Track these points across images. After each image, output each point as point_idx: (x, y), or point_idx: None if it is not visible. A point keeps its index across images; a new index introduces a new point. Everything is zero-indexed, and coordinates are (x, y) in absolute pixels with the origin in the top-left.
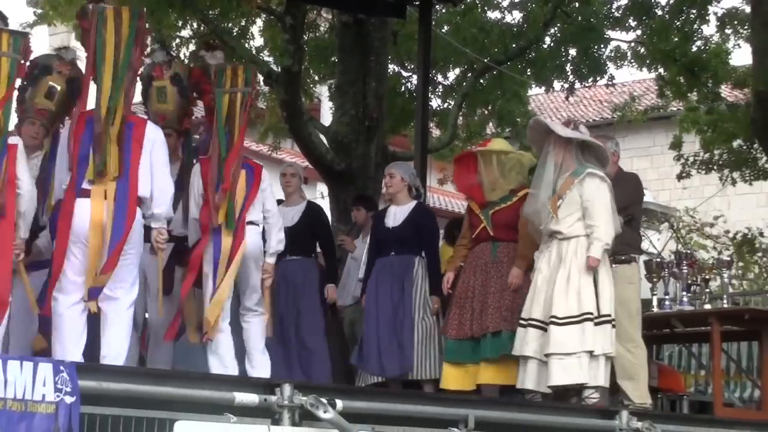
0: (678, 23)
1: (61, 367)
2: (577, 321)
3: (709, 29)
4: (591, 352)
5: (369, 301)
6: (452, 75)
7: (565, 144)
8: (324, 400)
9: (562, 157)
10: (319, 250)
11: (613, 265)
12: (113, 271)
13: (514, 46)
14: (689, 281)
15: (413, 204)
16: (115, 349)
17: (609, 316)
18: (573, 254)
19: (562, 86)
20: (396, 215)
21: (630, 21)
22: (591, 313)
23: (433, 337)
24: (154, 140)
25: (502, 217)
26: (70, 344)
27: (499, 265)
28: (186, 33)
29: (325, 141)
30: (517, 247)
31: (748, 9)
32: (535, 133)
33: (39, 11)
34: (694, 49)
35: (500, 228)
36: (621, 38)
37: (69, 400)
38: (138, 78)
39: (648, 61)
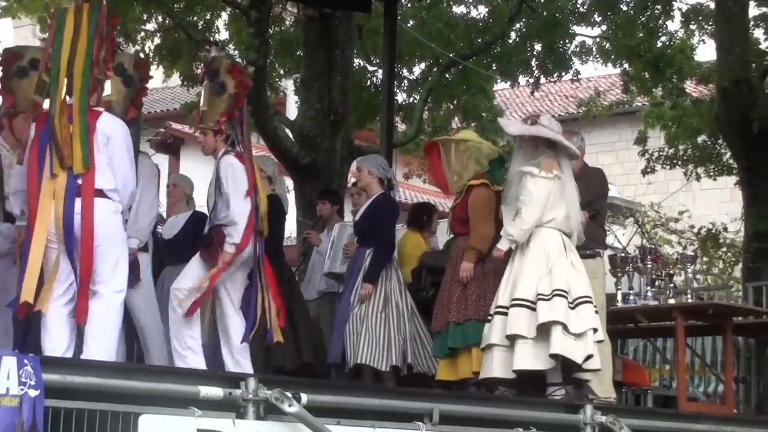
0: (643, 19)
1: (25, 361)
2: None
3: (674, 25)
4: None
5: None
6: (418, 69)
7: (519, 141)
8: (289, 394)
9: (516, 155)
10: None
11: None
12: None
13: (479, 40)
14: (654, 276)
15: (376, 194)
16: (100, 347)
17: (560, 291)
18: (525, 245)
19: (528, 81)
20: (363, 208)
21: (595, 16)
22: (525, 300)
23: (370, 325)
24: (111, 132)
25: (458, 212)
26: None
27: (454, 261)
28: (151, 26)
29: (290, 135)
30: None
31: (712, 5)
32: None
33: (3, 4)
34: (659, 44)
35: (456, 222)
36: (586, 33)
37: (33, 393)
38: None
39: (613, 57)
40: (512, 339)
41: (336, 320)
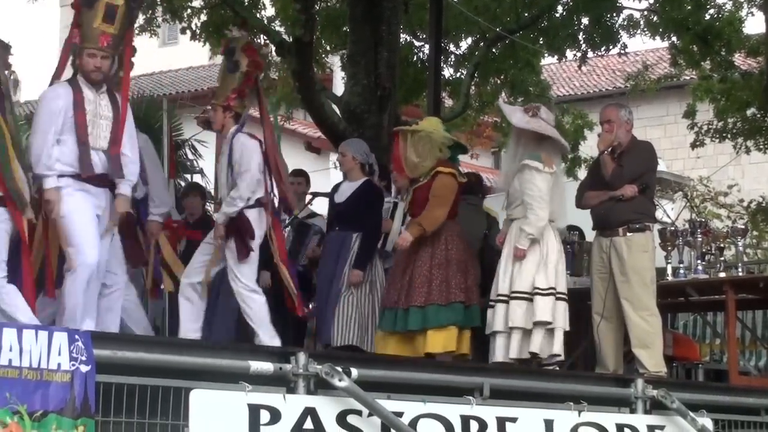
0: None
1: (76, 336)
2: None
3: None
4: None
5: (317, 277)
6: (464, 44)
7: (519, 131)
8: (339, 369)
9: (517, 144)
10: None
11: (628, 234)
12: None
13: (526, 14)
14: (704, 250)
15: (361, 181)
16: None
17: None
18: (516, 235)
19: (575, 55)
20: (345, 192)
21: None
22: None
23: (359, 307)
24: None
25: (420, 194)
26: None
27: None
28: (197, 3)
29: (337, 111)
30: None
31: None
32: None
33: None
34: (707, 17)
35: (416, 205)
36: (634, 6)
37: (84, 369)
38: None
39: (661, 30)
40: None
41: (324, 300)
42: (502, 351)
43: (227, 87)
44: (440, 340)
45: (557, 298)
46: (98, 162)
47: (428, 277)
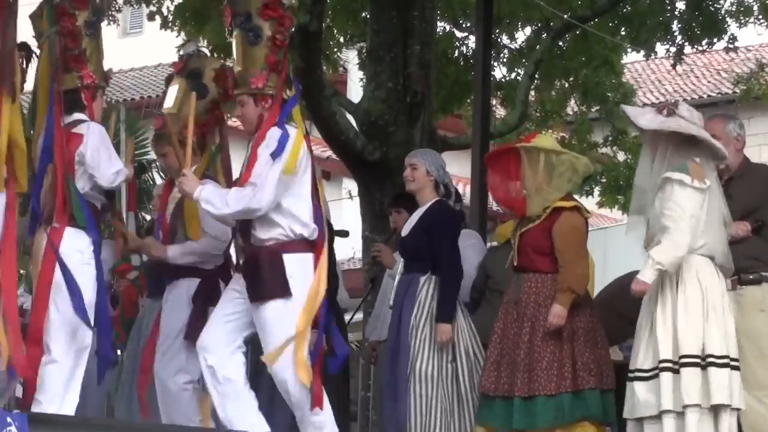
0: None
1: (9, 419)
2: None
3: None
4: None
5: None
6: (522, 36)
7: (654, 137)
8: None
9: (655, 154)
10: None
11: (738, 287)
12: None
13: None
14: None
15: (431, 202)
16: None
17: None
18: (678, 275)
19: (668, 51)
20: (412, 220)
21: None
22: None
23: (444, 385)
24: None
25: (529, 240)
26: None
27: (522, 307)
28: None
29: (353, 123)
30: (552, 280)
31: None
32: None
33: None
34: None
35: (525, 254)
36: None
37: None
38: None
39: None
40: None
41: (392, 376)
42: None
43: (254, 64)
44: None
45: (732, 368)
46: None
47: (558, 357)
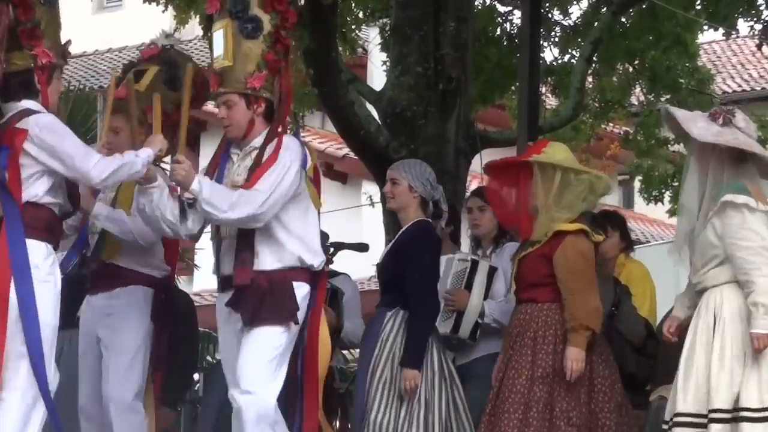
0: None
1: None
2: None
3: None
4: None
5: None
6: (576, 10)
7: (705, 149)
8: None
9: (707, 168)
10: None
11: None
12: None
13: None
14: None
15: (410, 223)
16: None
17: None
18: (718, 312)
19: (751, 29)
20: (390, 244)
21: None
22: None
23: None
24: None
25: (534, 267)
26: None
27: (519, 344)
28: None
29: (375, 114)
30: (556, 312)
31: None
32: (675, 124)
33: None
34: None
35: (525, 282)
36: None
37: None
38: None
39: None
40: None
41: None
42: None
43: (248, 61)
44: None
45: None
46: None
47: (574, 404)
